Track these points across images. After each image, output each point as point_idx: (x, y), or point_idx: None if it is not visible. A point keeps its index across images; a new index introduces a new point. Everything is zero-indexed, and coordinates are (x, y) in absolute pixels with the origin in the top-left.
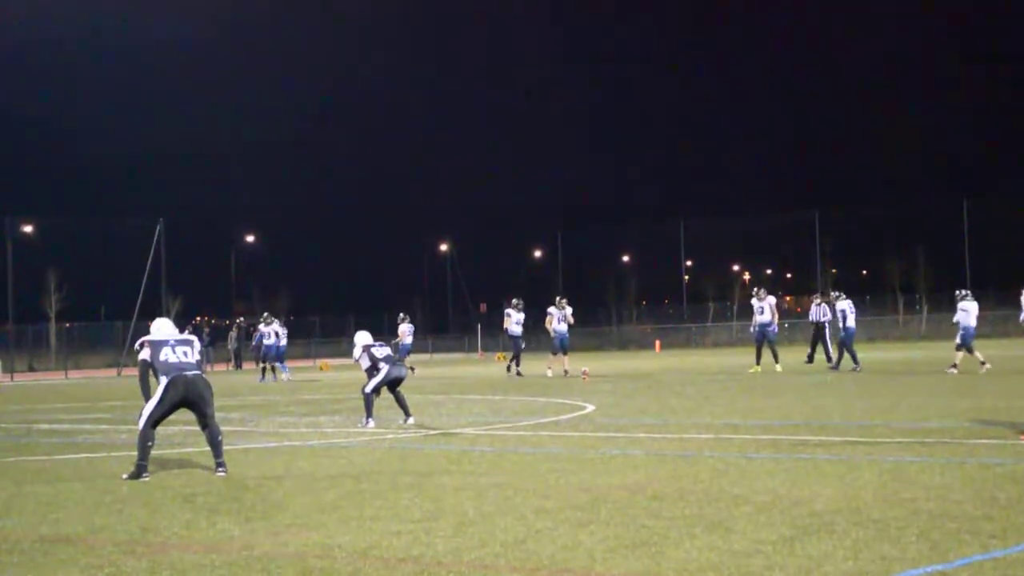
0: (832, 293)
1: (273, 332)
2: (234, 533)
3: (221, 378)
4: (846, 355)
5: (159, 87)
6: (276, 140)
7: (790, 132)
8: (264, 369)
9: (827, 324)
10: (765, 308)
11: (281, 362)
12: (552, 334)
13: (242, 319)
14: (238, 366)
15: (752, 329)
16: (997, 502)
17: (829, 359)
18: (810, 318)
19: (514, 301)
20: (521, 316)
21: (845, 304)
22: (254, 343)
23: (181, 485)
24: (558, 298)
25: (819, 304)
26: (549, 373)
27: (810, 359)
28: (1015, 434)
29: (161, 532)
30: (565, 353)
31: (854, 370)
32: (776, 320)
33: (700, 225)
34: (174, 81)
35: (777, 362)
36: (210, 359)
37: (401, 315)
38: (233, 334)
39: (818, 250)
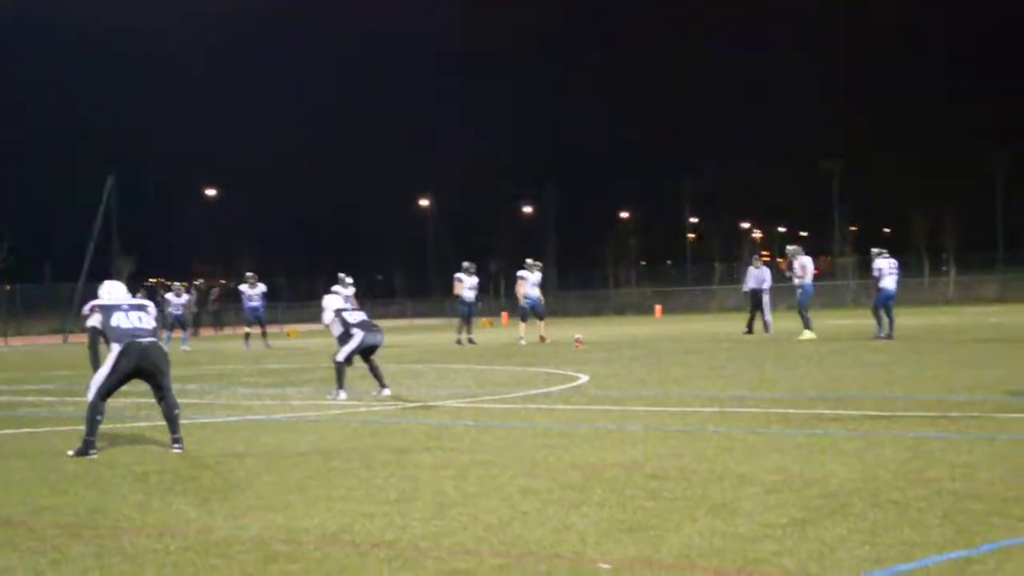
0: (873, 250)
1: (260, 295)
2: (191, 515)
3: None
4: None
5: (110, 24)
6: (239, 86)
7: (809, 74)
8: (247, 336)
9: (766, 290)
10: (799, 268)
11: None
12: (523, 299)
13: (201, 280)
14: (195, 332)
15: (799, 292)
16: None
17: (766, 327)
18: (746, 285)
19: (465, 265)
20: (475, 280)
21: (883, 263)
22: (245, 304)
23: (133, 463)
24: (528, 260)
25: (758, 267)
26: (523, 342)
27: (749, 329)
28: None
29: (110, 514)
30: (541, 318)
31: (876, 336)
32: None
33: (706, 178)
34: (127, 17)
35: (808, 328)
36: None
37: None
38: (192, 297)
39: (836, 206)
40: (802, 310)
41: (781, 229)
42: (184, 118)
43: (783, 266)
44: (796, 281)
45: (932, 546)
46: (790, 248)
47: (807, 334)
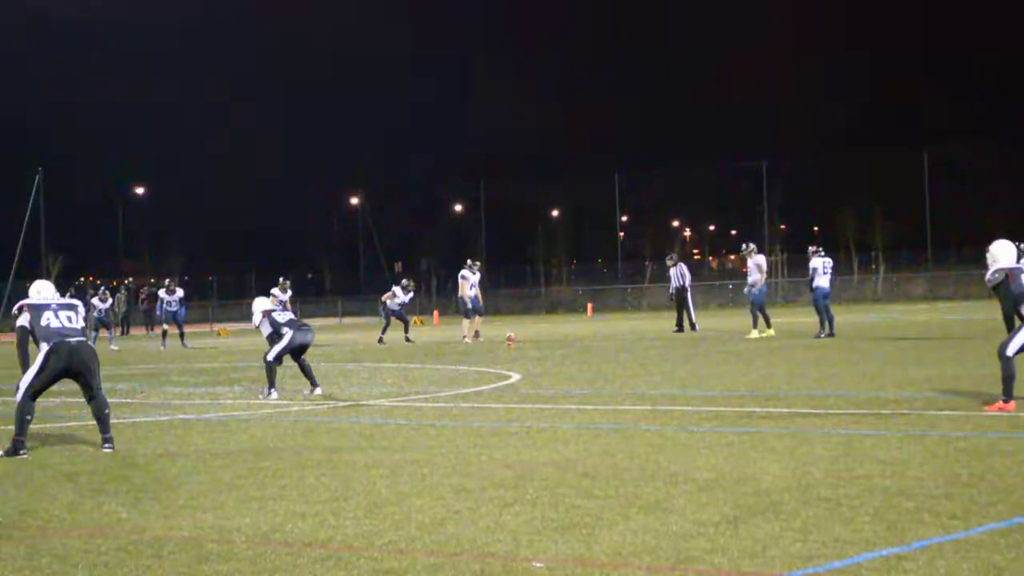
0: (810, 248)
1: (177, 300)
2: (122, 515)
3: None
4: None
5: (41, 20)
6: (167, 82)
7: (735, 74)
8: (164, 334)
9: (687, 288)
10: (753, 266)
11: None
12: (468, 301)
13: (130, 279)
14: (124, 332)
15: (746, 290)
16: (959, 479)
17: (693, 326)
18: (672, 284)
19: (404, 283)
20: (407, 298)
21: (818, 262)
22: (158, 310)
23: (63, 462)
24: (470, 260)
25: (675, 265)
26: (469, 341)
27: (679, 327)
28: (979, 405)
29: (41, 515)
30: (480, 315)
31: (818, 336)
32: (762, 279)
33: (637, 177)
34: (59, 13)
35: (755, 327)
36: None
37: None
38: (121, 297)
39: (766, 204)
40: (759, 308)
41: (711, 227)
42: (113, 115)
43: (713, 263)
44: (750, 279)
45: (863, 543)
46: (745, 246)
47: (768, 332)
